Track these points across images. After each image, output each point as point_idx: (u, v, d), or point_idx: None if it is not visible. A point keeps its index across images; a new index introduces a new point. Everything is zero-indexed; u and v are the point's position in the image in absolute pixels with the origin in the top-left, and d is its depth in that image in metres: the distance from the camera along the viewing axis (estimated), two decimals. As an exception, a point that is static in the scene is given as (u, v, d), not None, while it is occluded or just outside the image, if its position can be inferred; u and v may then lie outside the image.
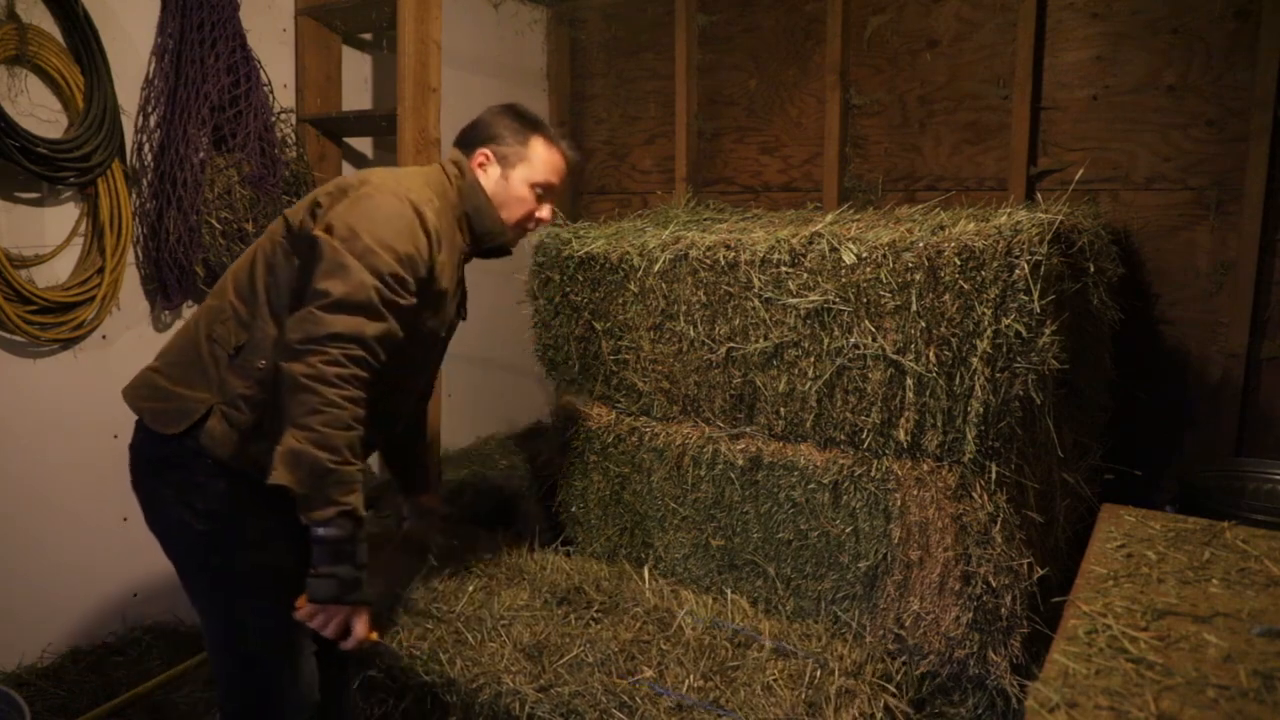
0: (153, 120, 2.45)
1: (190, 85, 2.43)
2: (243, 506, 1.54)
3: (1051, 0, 2.78)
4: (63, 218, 2.32)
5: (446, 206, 1.70)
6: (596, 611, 2.23)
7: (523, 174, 1.77)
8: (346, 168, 3.09)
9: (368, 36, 3.11)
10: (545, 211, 1.82)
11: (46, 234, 2.29)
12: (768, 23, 3.32)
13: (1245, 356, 2.57)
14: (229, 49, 2.50)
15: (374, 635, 1.53)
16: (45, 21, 2.22)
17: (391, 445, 2.06)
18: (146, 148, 2.46)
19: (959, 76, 2.96)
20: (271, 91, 2.68)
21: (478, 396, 3.63)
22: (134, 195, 2.44)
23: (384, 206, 1.52)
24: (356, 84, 3.09)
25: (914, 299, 1.95)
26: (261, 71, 2.62)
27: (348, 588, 1.44)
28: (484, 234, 1.77)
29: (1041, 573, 1.98)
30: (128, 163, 2.41)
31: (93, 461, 2.41)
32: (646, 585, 2.37)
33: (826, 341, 2.10)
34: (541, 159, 1.80)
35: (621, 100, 3.76)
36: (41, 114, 2.22)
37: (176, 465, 1.54)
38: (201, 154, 2.46)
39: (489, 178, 1.78)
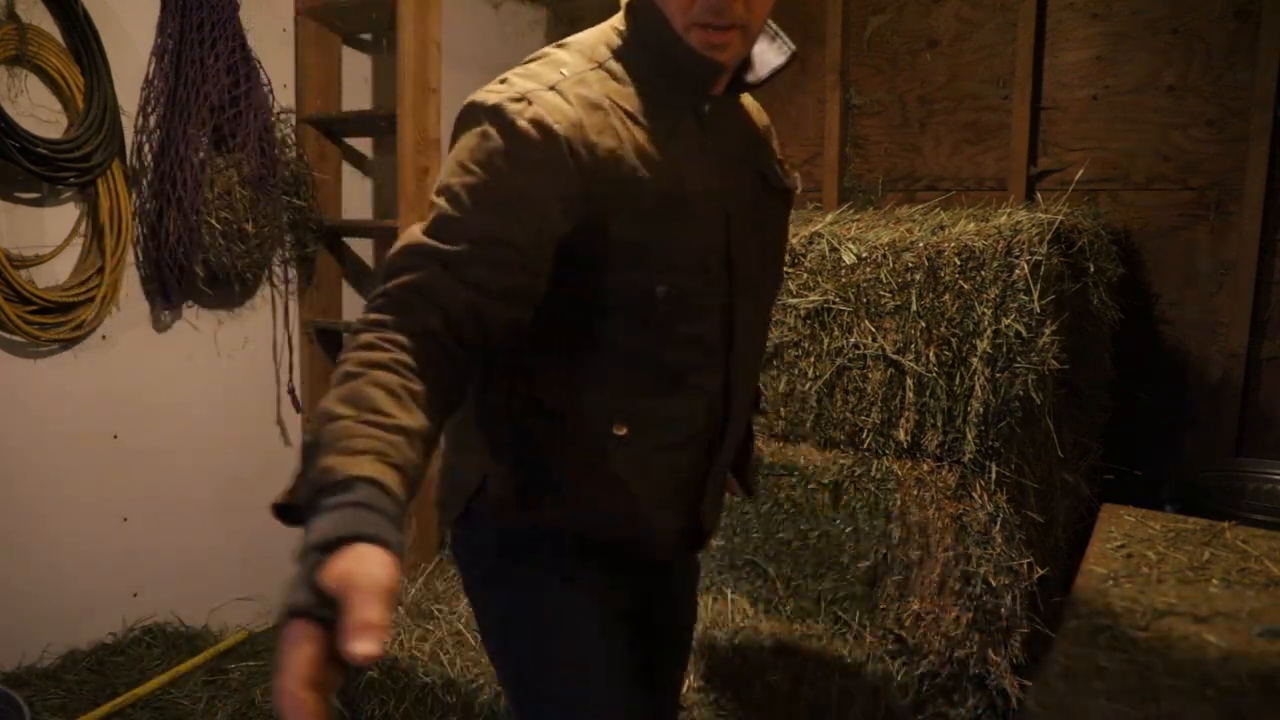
0: (153, 120, 2.45)
1: (190, 85, 2.43)
2: None
3: (1051, 0, 2.78)
4: (63, 218, 2.31)
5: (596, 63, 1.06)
6: (596, 611, 2.23)
7: None
8: (346, 168, 3.08)
9: (368, 36, 3.11)
10: None
11: (46, 234, 2.29)
12: (768, 23, 3.32)
13: (1245, 356, 2.57)
14: (229, 49, 2.49)
15: None
16: (45, 21, 2.22)
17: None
18: (146, 148, 2.45)
19: (959, 76, 2.96)
20: (271, 91, 2.67)
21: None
22: (134, 195, 2.44)
23: None
24: (356, 84, 3.09)
25: (914, 299, 1.95)
26: (261, 71, 2.62)
27: None
28: (673, 65, 1.06)
29: (1041, 573, 1.98)
30: (128, 163, 2.41)
31: (93, 461, 2.41)
32: (646, 585, 2.36)
33: (826, 341, 2.10)
34: None
35: (621, 100, 3.76)
36: (41, 114, 2.22)
37: None
38: (201, 154, 2.46)
39: None
